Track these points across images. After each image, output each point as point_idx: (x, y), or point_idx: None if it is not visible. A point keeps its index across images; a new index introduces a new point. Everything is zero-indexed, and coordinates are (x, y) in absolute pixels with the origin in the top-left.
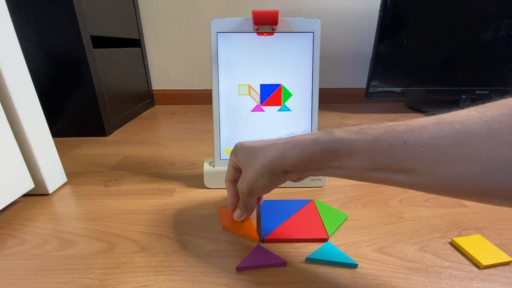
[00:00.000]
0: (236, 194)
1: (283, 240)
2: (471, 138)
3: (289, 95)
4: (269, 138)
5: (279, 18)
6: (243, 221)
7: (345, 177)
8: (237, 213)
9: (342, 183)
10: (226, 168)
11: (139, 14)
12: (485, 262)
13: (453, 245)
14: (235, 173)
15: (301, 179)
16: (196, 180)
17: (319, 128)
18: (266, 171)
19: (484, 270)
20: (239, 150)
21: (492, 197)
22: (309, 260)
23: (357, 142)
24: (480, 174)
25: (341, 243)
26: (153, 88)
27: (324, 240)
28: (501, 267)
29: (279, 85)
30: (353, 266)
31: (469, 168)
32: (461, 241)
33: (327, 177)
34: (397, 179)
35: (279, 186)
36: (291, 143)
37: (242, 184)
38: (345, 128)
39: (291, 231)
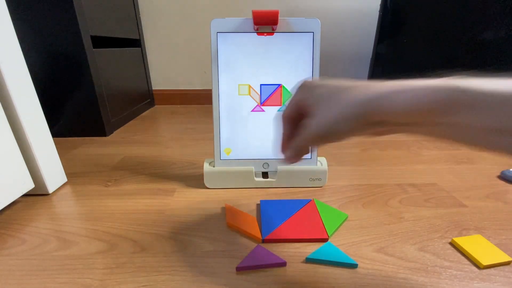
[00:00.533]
0: (290, 135)
1: (283, 240)
2: None
3: (289, 95)
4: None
5: (279, 18)
6: (248, 221)
7: (455, 139)
8: (288, 153)
9: (342, 183)
10: (226, 168)
11: (139, 14)
12: (485, 262)
13: (453, 245)
14: (297, 113)
15: (386, 134)
16: (196, 180)
17: None
18: (356, 114)
19: (484, 270)
20: (317, 85)
21: None
22: (309, 260)
23: (484, 95)
24: None
25: (341, 243)
26: (153, 88)
27: (324, 240)
28: (501, 267)
29: (279, 85)
30: (353, 266)
31: None
32: (461, 241)
33: (327, 177)
34: None
35: (279, 186)
36: (400, 86)
37: (317, 125)
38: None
39: (291, 231)
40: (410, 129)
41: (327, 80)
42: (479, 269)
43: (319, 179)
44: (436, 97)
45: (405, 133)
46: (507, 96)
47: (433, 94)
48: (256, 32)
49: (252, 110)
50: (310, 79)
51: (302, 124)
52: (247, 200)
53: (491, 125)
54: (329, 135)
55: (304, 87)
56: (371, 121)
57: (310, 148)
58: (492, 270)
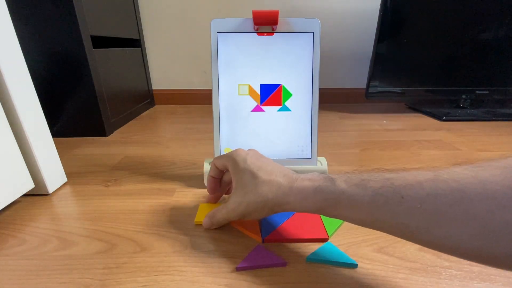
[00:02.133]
0: (216, 179)
1: (283, 240)
2: (465, 197)
3: (289, 95)
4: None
5: (279, 18)
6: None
7: (343, 219)
8: (207, 222)
9: None
10: None
11: (139, 14)
12: None
13: None
14: (219, 173)
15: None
16: (196, 180)
17: (319, 129)
18: (267, 207)
19: (484, 270)
20: (241, 168)
21: (488, 260)
22: (309, 260)
23: (357, 196)
24: (475, 235)
25: (341, 243)
26: (153, 88)
27: (324, 240)
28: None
29: (279, 85)
30: (353, 266)
31: (464, 228)
32: None
33: None
34: (395, 232)
35: None
36: (295, 189)
37: (238, 205)
38: (348, 176)
39: (291, 231)
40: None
41: (252, 163)
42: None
43: None
44: (315, 199)
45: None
46: (371, 197)
47: (313, 196)
48: (256, 32)
49: (252, 110)
50: (244, 158)
51: (219, 208)
52: None
53: (366, 218)
54: (250, 216)
55: (233, 160)
56: (279, 210)
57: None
58: (492, 270)
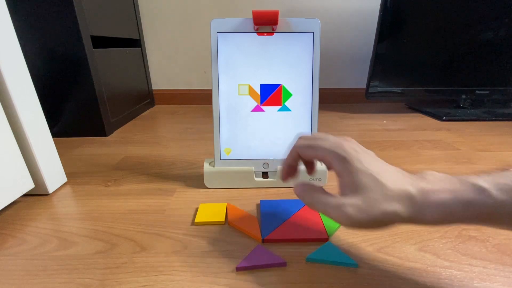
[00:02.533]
0: (293, 166)
1: (283, 240)
2: None
3: (289, 95)
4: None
5: (279, 18)
6: (248, 220)
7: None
8: (305, 195)
9: None
10: (226, 168)
11: (139, 14)
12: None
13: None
14: (299, 162)
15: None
16: (196, 180)
17: (319, 129)
18: (390, 221)
19: (484, 270)
20: (356, 168)
21: None
22: (310, 260)
23: (503, 206)
24: None
25: (341, 243)
26: (153, 88)
27: (324, 240)
28: (501, 267)
29: (279, 85)
30: (353, 266)
31: None
32: None
33: (327, 177)
34: None
35: (279, 186)
36: (434, 203)
37: (360, 213)
38: (494, 178)
39: (291, 232)
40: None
41: (369, 164)
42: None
43: (319, 179)
44: (464, 214)
45: None
46: None
47: (462, 211)
48: (256, 32)
49: (252, 110)
50: (350, 149)
51: (330, 199)
52: (247, 200)
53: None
54: (360, 228)
55: (339, 159)
56: (398, 221)
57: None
58: (492, 270)
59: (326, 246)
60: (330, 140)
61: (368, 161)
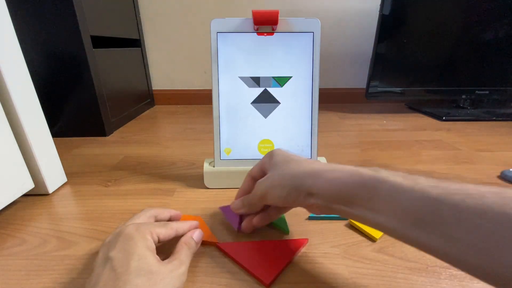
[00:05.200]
0: (247, 191)
1: (231, 257)
2: None
3: None
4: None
5: (279, 18)
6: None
7: (375, 225)
8: (236, 203)
9: None
10: (226, 168)
11: (139, 14)
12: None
13: None
14: (259, 174)
15: (322, 212)
16: (196, 180)
17: (319, 129)
18: (290, 184)
19: None
20: (275, 153)
21: None
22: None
23: (402, 188)
24: None
25: (341, 243)
26: (153, 88)
27: (264, 284)
28: None
29: (279, 85)
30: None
31: None
32: None
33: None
34: (438, 248)
35: None
36: (329, 166)
37: (260, 185)
38: (394, 171)
39: (245, 254)
40: (339, 208)
41: (288, 152)
42: None
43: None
44: (351, 179)
45: (335, 213)
46: (420, 194)
47: (349, 176)
48: (256, 32)
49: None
50: (281, 149)
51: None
52: None
53: (407, 218)
54: (270, 196)
55: (270, 154)
56: (304, 192)
57: (258, 205)
58: None
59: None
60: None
61: (290, 152)
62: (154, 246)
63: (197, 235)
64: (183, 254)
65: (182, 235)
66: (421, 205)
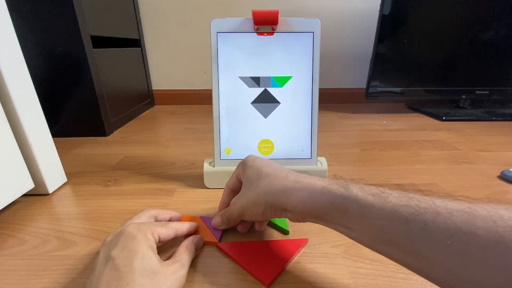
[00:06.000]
0: (227, 203)
1: (231, 257)
2: (502, 243)
3: None
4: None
5: (279, 18)
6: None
7: (350, 238)
8: (216, 220)
9: None
10: (226, 168)
11: (139, 14)
12: None
13: None
14: (236, 184)
15: (299, 221)
16: (196, 180)
17: (319, 129)
18: (264, 202)
19: None
20: (248, 166)
21: None
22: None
23: (372, 207)
24: (506, 284)
25: (340, 243)
26: (153, 88)
27: (264, 284)
28: None
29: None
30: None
31: (493, 275)
32: None
33: (327, 177)
34: (409, 263)
35: None
36: (301, 184)
37: (236, 202)
38: (364, 185)
39: (245, 254)
40: (313, 221)
41: (260, 162)
42: None
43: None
44: (321, 199)
45: (311, 222)
46: (389, 213)
47: (319, 195)
48: (256, 32)
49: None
50: (254, 158)
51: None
52: None
53: (378, 236)
54: (247, 214)
55: (243, 164)
56: (279, 208)
57: (237, 220)
58: None
59: None
60: (247, 157)
61: (261, 160)
62: (155, 246)
63: (198, 241)
64: (184, 258)
65: (182, 236)
66: (391, 225)
